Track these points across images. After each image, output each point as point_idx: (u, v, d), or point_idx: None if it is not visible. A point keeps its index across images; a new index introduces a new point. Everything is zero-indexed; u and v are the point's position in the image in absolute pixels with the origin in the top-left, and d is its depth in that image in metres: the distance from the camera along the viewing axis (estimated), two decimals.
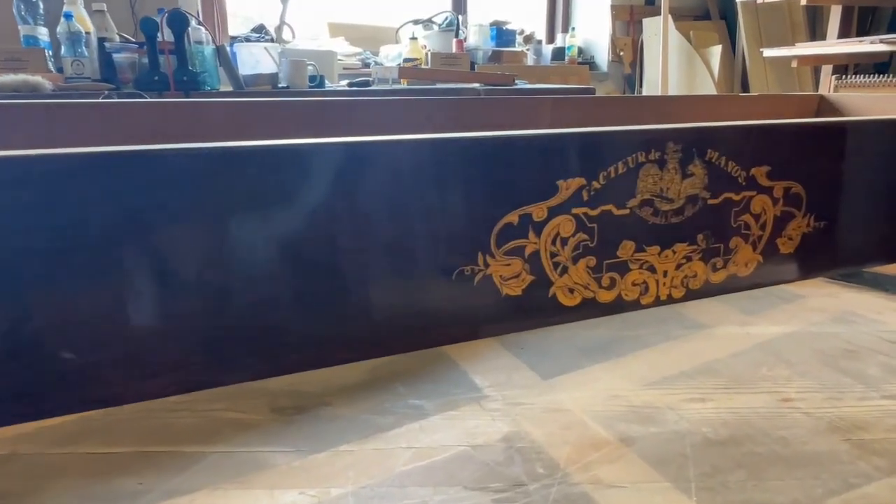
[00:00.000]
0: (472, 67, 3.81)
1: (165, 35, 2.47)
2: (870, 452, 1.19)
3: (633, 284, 1.54)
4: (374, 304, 1.26)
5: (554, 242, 1.39)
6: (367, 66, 3.96)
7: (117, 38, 2.81)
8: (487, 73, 3.56)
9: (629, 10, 4.85)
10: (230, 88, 2.88)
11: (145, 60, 2.54)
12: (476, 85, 3.18)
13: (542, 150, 1.36)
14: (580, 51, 4.96)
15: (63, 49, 2.46)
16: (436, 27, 4.27)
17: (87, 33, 2.55)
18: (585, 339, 1.54)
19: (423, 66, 3.67)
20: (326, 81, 2.91)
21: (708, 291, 1.69)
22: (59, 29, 2.49)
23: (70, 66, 2.49)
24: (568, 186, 1.36)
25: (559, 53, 4.80)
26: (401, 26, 4.16)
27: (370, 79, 3.28)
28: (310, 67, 2.75)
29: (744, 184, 1.58)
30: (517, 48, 4.49)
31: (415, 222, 1.25)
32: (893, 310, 1.77)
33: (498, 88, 3.09)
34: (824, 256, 1.82)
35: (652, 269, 1.55)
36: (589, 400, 1.36)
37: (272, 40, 3.35)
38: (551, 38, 5.12)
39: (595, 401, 1.36)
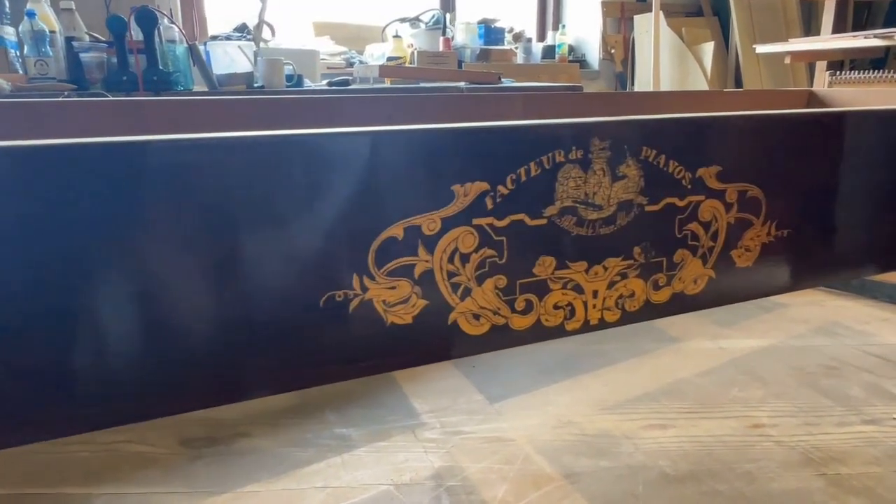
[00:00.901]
0: (460, 66, 3.70)
1: (134, 33, 2.36)
2: (846, 491, 1.04)
3: (556, 308, 1.32)
4: (213, 341, 1.04)
5: (451, 260, 1.17)
6: (351, 65, 3.85)
7: (86, 38, 2.70)
8: (471, 71, 3.43)
9: (620, 6, 4.71)
10: (205, 88, 2.79)
11: (115, 60, 2.44)
12: (461, 84, 3.06)
13: (430, 149, 1.14)
14: (571, 49, 4.83)
15: (26, 48, 2.36)
16: (423, 25, 4.16)
17: (52, 32, 2.45)
18: (547, 355, 1.41)
19: (407, 65, 3.55)
20: (307, 81, 2.81)
21: (649, 313, 1.46)
22: (21, 28, 2.39)
23: (33, 66, 2.39)
24: (466, 192, 1.14)
25: (549, 52, 4.67)
26: (387, 25, 4.05)
27: (351, 78, 3.17)
28: (287, 67, 2.65)
29: (689, 187, 1.36)
30: (506, 46, 4.37)
31: (267, 238, 1.05)
32: (882, 320, 1.62)
33: (482, 87, 2.97)
34: (790, 270, 1.60)
35: (578, 289, 1.33)
36: (537, 428, 1.23)
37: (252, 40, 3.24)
38: (542, 36, 5.00)
39: (543, 429, 1.22)
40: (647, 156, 1.32)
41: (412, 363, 1.20)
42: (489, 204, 1.17)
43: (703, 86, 4.81)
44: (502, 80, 3.26)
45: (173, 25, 2.59)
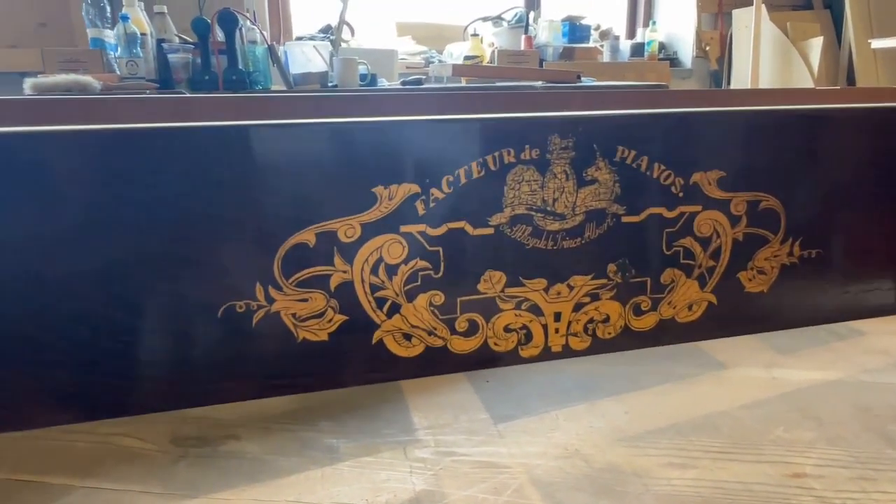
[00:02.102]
0: (541, 65, 3.61)
1: (218, 35, 2.46)
2: None
3: (507, 330, 1.20)
4: (90, 348, 0.97)
5: (375, 271, 1.07)
6: (430, 64, 3.87)
7: (176, 40, 2.86)
8: (548, 70, 3.32)
9: (717, 1, 4.41)
10: (282, 87, 2.88)
11: (199, 60, 2.57)
12: (537, 83, 2.99)
13: (346, 144, 1.02)
14: (661, 46, 4.58)
15: (119, 50, 2.53)
16: (505, 24, 4.10)
17: (144, 34, 2.60)
18: (568, 375, 1.29)
19: (484, 64, 3.50)
20: (382, 80, 2.83)
21: (629, 342, 1.29)
22: (115, 30, 2.56)
23: (124, 67, 2.55)
24: (391, 195, 1.04)
25: (638, 49, 4.45)
26: (469, 24, 4.03)
27: (425, 77, 3.16)
28: (361, 66, 2.69)
29: (680, 195, 1.18)
30: (591, 45, 4.20)
31: (156, 237, 0.97)
32: None
33: (559, 86, 2.88)
34: (819, 298, 1.35)
35: (536, 311, 1.19)
36: (537, 456, 1.12)
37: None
38: (631, 34, 4.78)
39: (544, 458, 1.11)
40: (624, 157, 1.13)
41: (329, 385, 1.09)
42: (420, 209, 1.06)
43: (808, 85, 4.41)
44: (582, 78, 3.14)
45: (255, 27, 2.67)
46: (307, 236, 1.00)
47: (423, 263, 1.05)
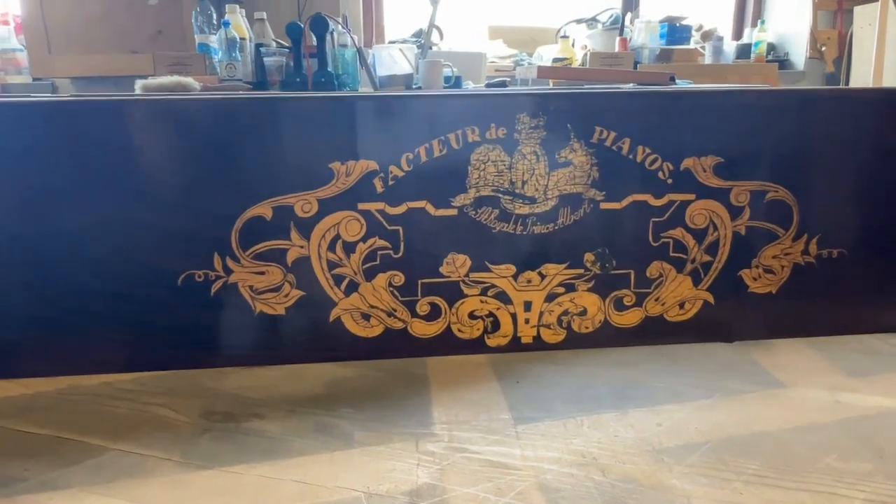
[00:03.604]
0: (635, 67, 3.49)
1: (310, 39, 2.60)
2: None
3: (472, 317, 1.15)
4: (57, 307, 1.02)
5: (333, 248, 1.07)
6: (518, 67, 3.86)
7: (273, 44, 3.03)
8: (638, 71, 3.21)
9: None
10: (370, 89, 2.98)
11: (292, 63, 2.72)
12: (630, 86, 2.91)
13: (303, 119, 1.02)
14: (771, 47, 4.29)
15: (220, 53, 2.72)
16: (600, 26, 4.01)
17: (243, 39, 2.79)
18: (603, 379, 1.22)
19: (574, 66, 3.45)
20: (469, 82, 2.87)
21: (611, 339, 1.21)
22: (217, 35, 2.76)
23: (224, 69, 2.75)
24: (348, 171, 1.03)
25: (744, 51, 4.18)
26: (562, 27, 3.97)
27: (510, 80, 3.16)
28: (446, 69, 2.75)
29: (669, 182, 1.10)
30: (691, 46, 4.01)
31: (119, 202, 1.01)
32: None
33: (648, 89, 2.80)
34: (841, 304, 1.21)
35: (504, 298, 1.14)
36: (551, 461, 1.07)
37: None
38: (738, 34, 4.50)
39: (558, 463, 1.06)
40: (602, 139, 1.05)
41: (287, 360, 1.10)
42: (379, 187, 1.04)
43: None
44: (676, 81, 3.01)
45: (345, 31, 2.77)
46: (264, 210, 1.01)
47: (381, 242, 1.04)
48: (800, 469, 1.02)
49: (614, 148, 1.04)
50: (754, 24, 4.20)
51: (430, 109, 1.02)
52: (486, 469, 1.03)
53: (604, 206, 1.07)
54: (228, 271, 1.03)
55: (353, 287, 1.06)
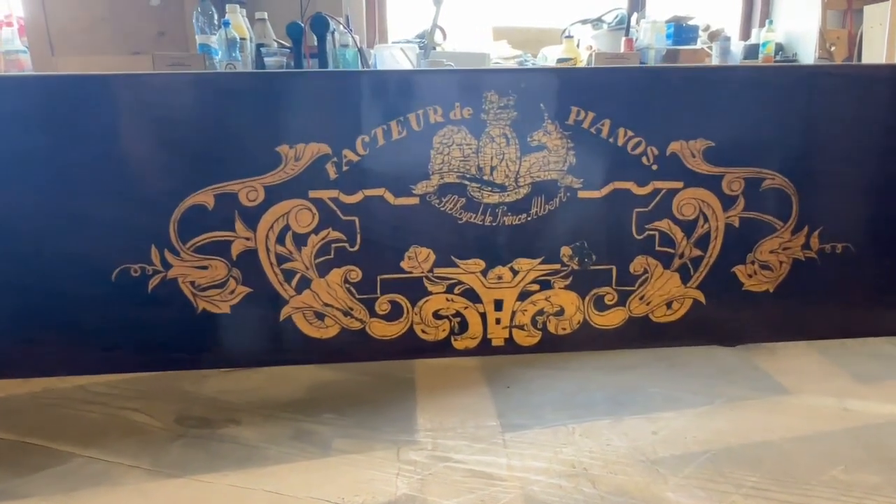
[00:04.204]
0: None
1: (311, 39, 2.56)
2: None
3: (437, 317, 1.05)
4: None
5: (282, 240, 0.97)
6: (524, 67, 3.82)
7: (274, 44, 3.00)
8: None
9: None
10: None
11: (293, 63, 2.69)
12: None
13: (245, 96, 0.92)
14: (779, 47, 4.22)
15: (220, 53, 2.69)
16: (605, 26, 3.95)
17: (243, 39, 2.76)
18: (597, 385, 1.16)
19: (576, 66, 3.41)
20: None
21: (591, 341, 1.11)
22: (218, 36, 2.73)
23: (224, 69, 2.72)
24: (297, 155, 0.93)
25: (752, 51, 4.12)
26: (567, 27, 3.93)
27: None
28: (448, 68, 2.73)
29: (654, 167, 1.00)
30: (698, 46, 3.95)
31: (47, 188, 0.92)
32: None
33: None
34: (848, 304, 1.10)
35: (472, 296, 1.05)
36: (539, 471, 1.01)
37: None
38: (746, 35, 4.44)
39: (546, 473, 1.00)
40: (579, 120, 0.96)
41: (233, 363, 1.02)
42: (332, 172, 0.95)
43: None
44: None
45: (347, 31, 2.73)
46: (205, 198, 0.93)
47: (336, 234, 0.96)
48: (803, 481, 0.96)
49: (593, 130, 0.97)
50: (762, 24, 4.14)
51: (388, 87, 0.94)
52: (469, 479, 0.98)
53: (582, 194, 0.99)
54: (167, 265, 0.96)
55: (305, 283, 0.99)
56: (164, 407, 1.18)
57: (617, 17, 3.86)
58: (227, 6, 2.71)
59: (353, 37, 2.78)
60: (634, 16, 3.87)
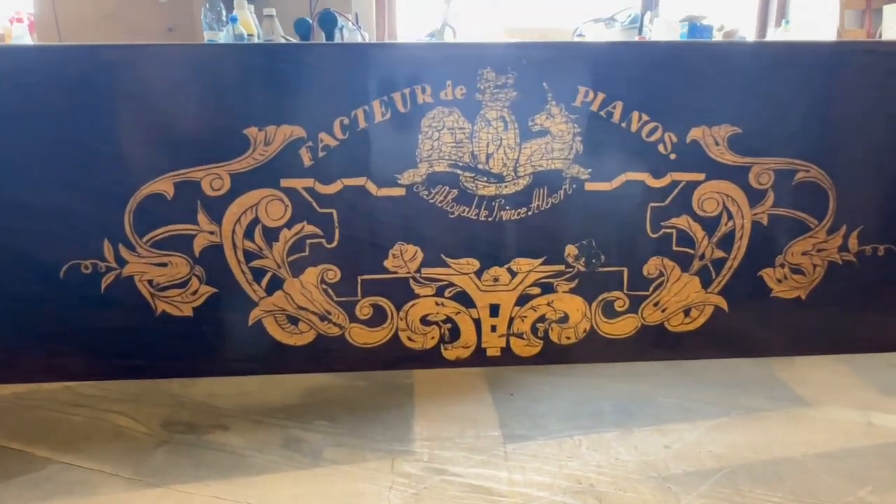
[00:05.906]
0: None
1: (318, 35, 2.53)
2: None
3: (426, 323, 0.96)
4: None
5: (250, 235, 0.88)
6: None
7: (282, 41, 2.97)
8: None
9: None
10: None
11: None
12: None
13: (210, 71, 0.83)
14: None
15: None
16: (618, 25, 3.89)
17: (250, 35, 2.72)
18: (607, 394, 1.09)
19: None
20: None
21: (598, 352, 1.01)
22: (224, 31, 2.69)
23: None
24: (267, 139, 0.83)
25: None
26: (579, 26, 3.87)
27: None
28: None
29: (673, 157, 0.90)
30: None
31: None
32: None
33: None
34: (888, 314, 1.00)
35: (465, 300, 0.95)
36: (542, 486, 0.94)
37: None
38: (761, 34, 4.36)
39: (550, 489, 0.94)
40: (587, 102, 0.86)
41: (196, 372, 0.92)
42: (306, 159, 0.85)
43: None
44: None
45: (356, 28, 2.70)
46: (164, 186, 0.84)
47: (311, 228, 0.87)
48: (827, 500, 0.88)
49: (603, 114, 0.88)
50: (778, 24, 4.05)
51: (370, 63, 0.84)
52: (466, 495, 0.91)
53: (589, 186, 0.90)
54: (122, 262, 0.86)
55: (276, 283, 0.90)
56: (151, 411, 1.12)
57: (630, 16, 3.78)
58: (236, 2, 2.67)
59: (362, 34, 2.73)
60: (647, 15, 3.79)
